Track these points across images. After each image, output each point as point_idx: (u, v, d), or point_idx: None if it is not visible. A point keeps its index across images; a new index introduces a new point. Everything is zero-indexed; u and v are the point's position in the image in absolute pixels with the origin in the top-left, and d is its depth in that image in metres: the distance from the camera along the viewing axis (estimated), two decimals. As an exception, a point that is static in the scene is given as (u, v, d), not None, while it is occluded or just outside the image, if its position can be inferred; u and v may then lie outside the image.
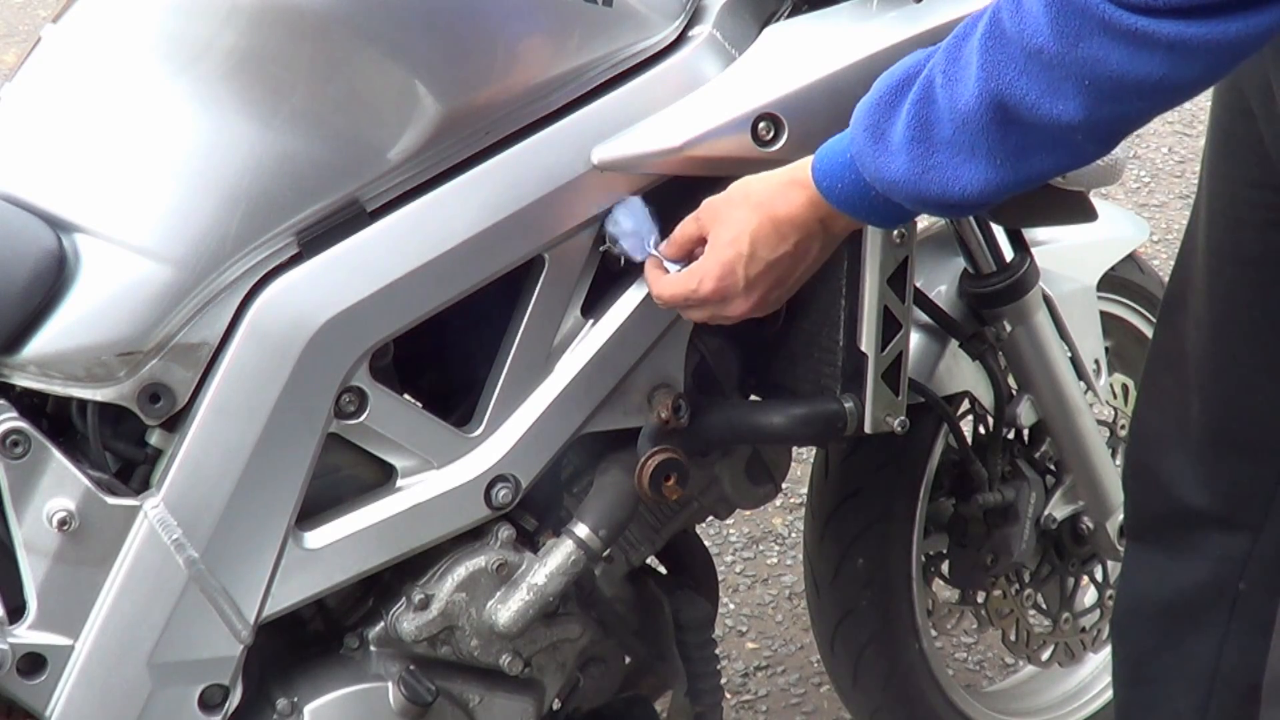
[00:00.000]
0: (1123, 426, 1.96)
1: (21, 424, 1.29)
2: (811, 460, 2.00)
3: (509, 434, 1.45)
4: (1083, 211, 1.65)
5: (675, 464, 1.49)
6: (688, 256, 1.39)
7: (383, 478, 1.45)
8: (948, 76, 1.10)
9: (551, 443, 1.47)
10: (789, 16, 1.47)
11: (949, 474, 1.89)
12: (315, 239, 1.35)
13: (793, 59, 1.42)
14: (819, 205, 1.27)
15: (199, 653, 1.38)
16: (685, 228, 1.38)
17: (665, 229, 1.41)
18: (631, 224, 1.41)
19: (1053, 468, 1.91)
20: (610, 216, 1.42)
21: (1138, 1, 0.98)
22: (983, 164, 1.11)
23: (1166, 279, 1.62)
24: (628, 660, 1.66)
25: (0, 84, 1.45)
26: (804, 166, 1.28)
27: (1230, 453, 1.54)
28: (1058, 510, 1.90)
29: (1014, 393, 1.83)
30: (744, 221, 1.30)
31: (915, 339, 1.70)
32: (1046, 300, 1.79)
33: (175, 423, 1.35)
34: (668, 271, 1.39)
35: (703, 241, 1.36)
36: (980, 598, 1.96)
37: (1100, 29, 0.99)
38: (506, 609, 1.47)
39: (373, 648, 1.48)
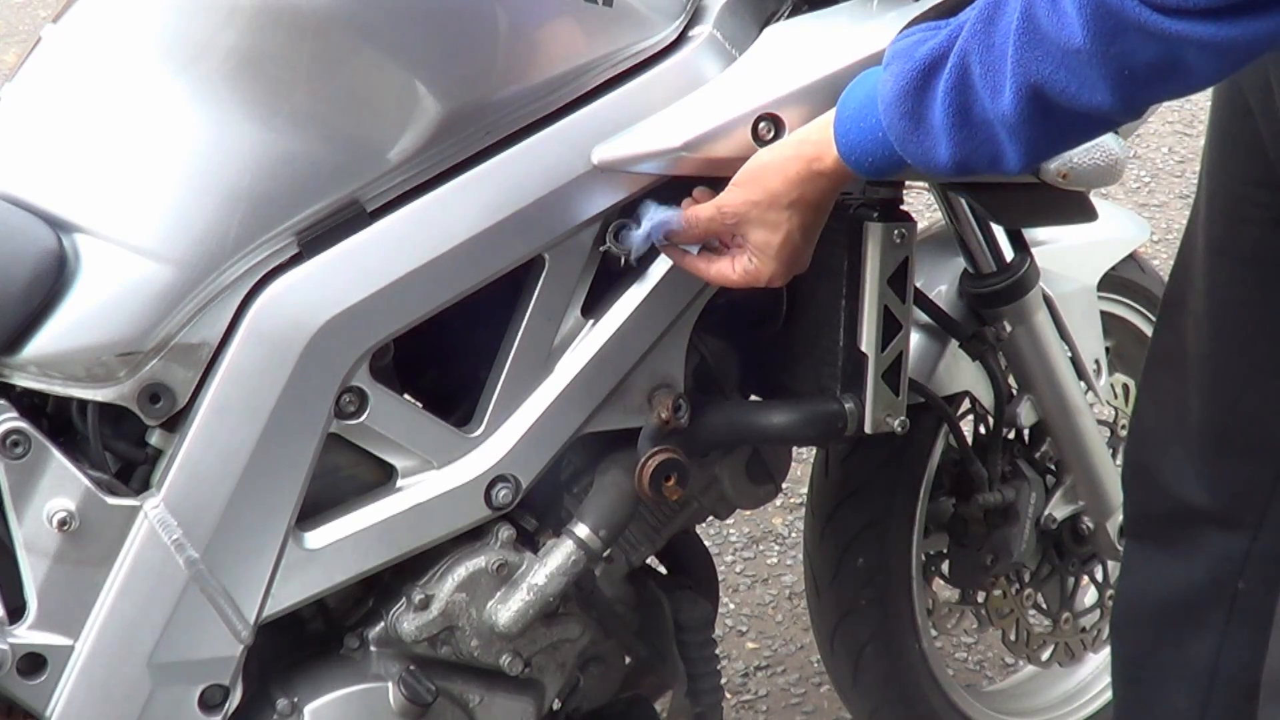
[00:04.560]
0: (1123, 426, 1.96)
1: (22, 424, 1.29)
2: (811, 460, 2.00)
3: (509, 434, 1.45)
4: (1083, 211, 1.65)
5: (675, 464, 1.49)
6: (703, 241, 1.42)
7: (383, 478, 1.45)
8: (984, 66, 1.13)
9: (552, 443, 1.47)
10: (789, 16, 1.47)
11: (949, 474, 1.89)
12: (315, 239, 1.35)
13: (793, 59, 1.42)
14: (843, 178, 1.32)
15: (199, 653, 1.38)
16: (706, 220, 1.38)
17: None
18: (638, 226, 1.42)
19: (1053, 468, 1.91)
20: (614, 228, 1.43)
21: (1170, 4, 0.99)
22: (1023, 145, 1.15)
23: (1167, 279, 1.62)
24: (628, 660, 1.66)
25: (0, 84, 1.45)
26: (818, 155, 1.31)
27: (1230, 452, 1.54)
28: (1058, 510, 1.90)
29: (1014, 393, 1.83)
30: (787, 221, 1.35)
31: (915, 339, 1.70)
32: (1046, 300, 1.79)
33: (175, 423, 1.35)
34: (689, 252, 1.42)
35: (728, 235, 1.39)
36: (980, 598, 1.96)
37: (1134, 30, 1.02)
38: (507, 609, 1.47)
39: (373, 648, 1.48)
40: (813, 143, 1.31)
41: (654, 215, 1.41)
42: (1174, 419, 1.56)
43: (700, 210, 1.38)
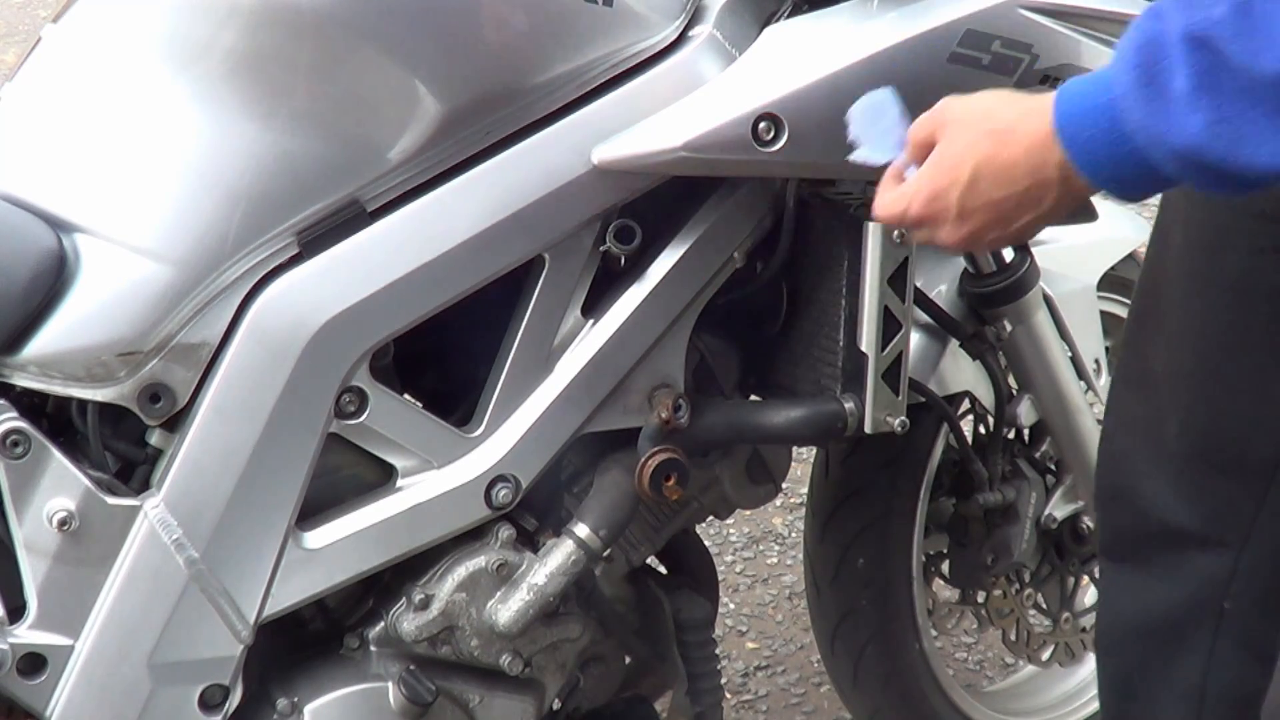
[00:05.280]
0: (1122, 426, 1.95)
1: (22, 424, 1.29)
2: (811, 460, 2.00)
3: (509, 434, 1.46)
4: (1083, 211, 1.65)
5: (675, 464, 1.49)
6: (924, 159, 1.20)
7: (383, 478, 1.45)
8: (1237, 30, 0.95)
9: (552, 443, 1.47)
10: (789, 16, 1.47)
11: (949, 474, 1.89)
12: (315, 239, 1.35)
13: (793, 59, 1.42)
14: (1054, 149, 1.09)
15: (199, 653, 1.38)
16: (921, 128, 1.20)
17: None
18: (877, 122, 1.26)
19: (1053, 467, 1.91)
20: (854, 112, 1.26)
21: None
22: None
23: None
24: (628, 660, 1.66)
25: (0, 84, 1.45)
26: (1049, 99, 1.10)
27: (1211, 471, 1.49)
28: (1058, 510, 1.90)
29: (1014, 392, 1.83)
30: (971, 146, 1.13)
31: (915, 339, 1.69)
32: (1046, 300, 1.79)
33: (175, 423, 1.35)
34: (904, 178, 1.21)
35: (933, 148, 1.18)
36: (980, 597, 1.96)
37: None
38: (507, 609, 1.47)
39: (373, 648, 1.48)
40: (1049, 96, 1.09)
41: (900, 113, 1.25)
42: (1147, 441, 1.53)
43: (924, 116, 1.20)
